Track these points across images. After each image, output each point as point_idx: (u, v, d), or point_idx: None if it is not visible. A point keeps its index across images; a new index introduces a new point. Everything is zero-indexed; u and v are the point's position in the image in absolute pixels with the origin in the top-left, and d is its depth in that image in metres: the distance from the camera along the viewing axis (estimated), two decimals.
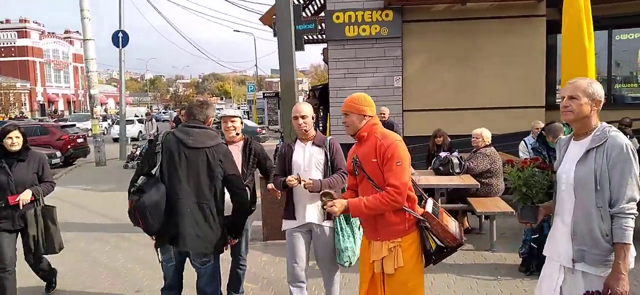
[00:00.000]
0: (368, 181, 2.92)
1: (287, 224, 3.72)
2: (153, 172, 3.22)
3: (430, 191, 6.32)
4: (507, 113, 10.18)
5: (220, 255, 4.06)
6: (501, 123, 9.66)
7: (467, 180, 6.03)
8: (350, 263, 3.58)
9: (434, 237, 2.90)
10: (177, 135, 3.26)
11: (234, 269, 4.27)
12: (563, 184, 2.50)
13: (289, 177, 3.50)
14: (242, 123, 4.14)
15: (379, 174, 2.86)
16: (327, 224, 3.63)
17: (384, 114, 8.68)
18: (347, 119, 3.00)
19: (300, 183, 3.46)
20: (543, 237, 4.58)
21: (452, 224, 3.00)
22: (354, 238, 3.64)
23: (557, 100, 9.61)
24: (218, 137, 3.36)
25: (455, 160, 6.30)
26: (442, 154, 6.55)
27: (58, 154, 15.28)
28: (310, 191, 3.50)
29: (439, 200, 6.18)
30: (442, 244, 2.91)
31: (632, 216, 2.31)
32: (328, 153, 3.64)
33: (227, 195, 3.42)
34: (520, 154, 6.21)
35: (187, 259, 3.49)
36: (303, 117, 3.61)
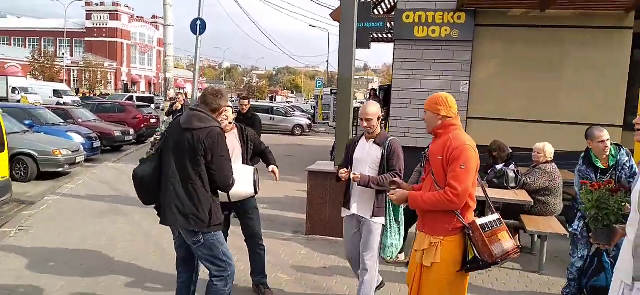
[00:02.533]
0: (431, 176, 3.04)
1: (343, 212, 4.06)
2: (157, 148, 3.52)
3: (481, 203, 6.05)
4: (579, 130, 9.46)
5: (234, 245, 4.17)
6: (571, 140, 9.02)
7: (521, 196, 5.68)
8: (392, 257, 3.89)
9: (474, 248, 2.91)
10: (181, 118, 3.43)
11: (253, 252, 4.42)
12: (634, 202, 2.41)
13: (341, 170, 3.85)
14: (234, 112, 4.41)
15: (441, 172, 2.95)
16: (375, 220, 3.82)
17: None
18: (425, 116, 3.11)
19: (349, 176, 3.76)
20: (590, 268, 4.26)
21: (505, 244, 2.97)
22: (399, 235, 3.87)
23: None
24: (210, 121, 3.33)
25: (511, 174, 5.96)
26: (498, 166, 6.23)
27: (131, 131, 16.14)
28: (358, 184, 3.77)
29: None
30: (478, 256, 2.90)
31: None
32: (385, 153, 3.79)
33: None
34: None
35: None
36: (368, 119, 3.80)
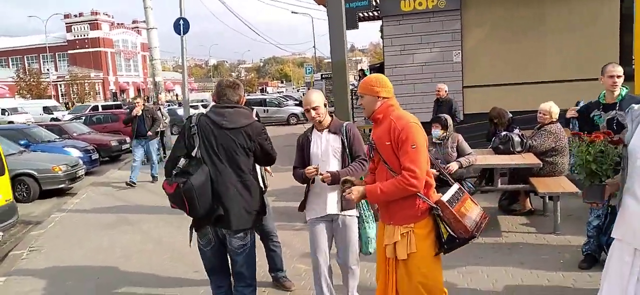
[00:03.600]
0: (383, 164, 2.87)
1: (308, 215, 3.65)
2: (193, 153, 3.20)
3: (490, 171, 6.09)
4: (576, 86, 9.49)
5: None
6: (569, 97, 9.04)
7: (529, 159, 5.70)
8: (370, 251, 3.58)
9: (446, 226, 2.79)
10: (212, 117, 3.23)
11: (269, 249, 4.43)
12: (639, 160, 2.27)
13: (308, 168, 3.42)
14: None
15: (393, 158, 2.80)
16: (347, 214, 3.53)
17: (440, 91, 8.41)
18: (362, 101, 2.94)
19: (317, 174, 3.38)
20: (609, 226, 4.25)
21: (472, 214, 2.87)
22: (367, 225, 3.60)
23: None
24: (252, 115, 3.35)
25: (516, 138, 5.97)
26: (502, 133, 6.24)
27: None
28: (328, 184, 3.40)
29: (500, 180, 5.92)
30: (454, 234, 2.78)
31: None
32: (345, 140, 3.50)
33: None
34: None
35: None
36: (314, 108, 3.47)
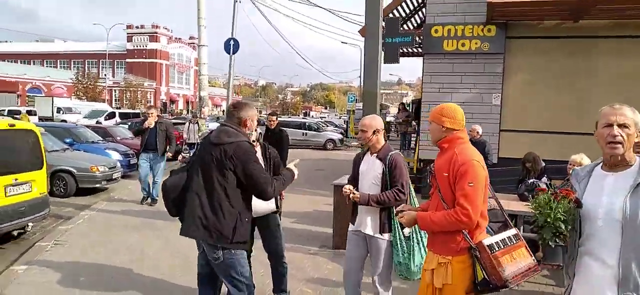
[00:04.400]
0: (437, 193, 2.90)
1: (350, 227, 3.94)
2: (188, 161, 3.59)
3: (512, 217, 5.89)
4: None
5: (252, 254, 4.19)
6: None
7: None
8: (405, 278, 3.70)
9: (482, 269, 2.71)
10: (211, 133, 3.51)
11: (275, 269, 4.42)
12: (600, 220, 2.16)
13: (344, 188, 3.75)
14: (256, 130, 4.25)
15: (448, 189, 2.81)
16: (381, 237, 3.70)
17: (473, 131, 8.27)
18: (430, 127, 3.04)
19: (351, 193, 3.69)
20: None
21: (518, 264, 2.69)
22: (411, 255, 3.64)
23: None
24: (239, 135, 3.38)
25: (543, 186, 5.77)
26: (530, 180, 6.06)
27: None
28: (357, 203, 3.73)
29: (523, 227, 5.72)
30: (488, 279, 2.69)
31: None
32: (386, 168, 3.68)
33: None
34: None
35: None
36: (362, 130, 3.79)
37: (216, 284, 3.72)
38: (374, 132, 3.73)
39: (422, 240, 3.67)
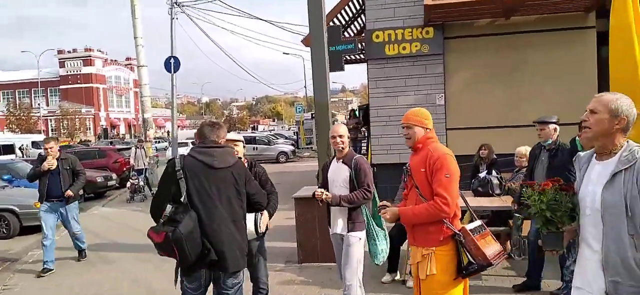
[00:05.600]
0: (415, 190, 3.10)
1: (330, 231, 4.23)
2: (181, 199, 3.07)
3: (465, 212, 6.12)
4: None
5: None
6: None
7: (508, 202, 5.76)
8: (381, 263, 4.11)
9: (467, 253, 2.97)
10: (199, 158, 3.16)
11: (255, 293, 4.32)
12: (588, 209, 2.29)
13: (316, 191, 4.05)
14: (244, 147, 4.26)
15: (426, 184, 3.02)
16: (351, 234, 4.00)
17: None
18: (410, 132, 3.16)
19: (324, 197, 3.97)
20: None
21: (491, 248, 3.02)
22: (376, 241, 4.01)
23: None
24: (233, 155, 3.41)
25: (495, 181, 6.06)
26: (481, 175, 6.33)
27: (114, 176, 15.98)
28: (329, 204, 4.04)
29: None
30: (473, 261, 2.96)
31: None
32: (352, 171, 3.99)
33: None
34: None
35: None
36: (340, 136, 4.05)
37: None
38: (347, 138, 4.09)
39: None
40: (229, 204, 3.18)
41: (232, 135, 4.24)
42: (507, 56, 10.29)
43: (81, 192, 7.25)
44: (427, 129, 3.16)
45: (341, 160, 4.08)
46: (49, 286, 6.09)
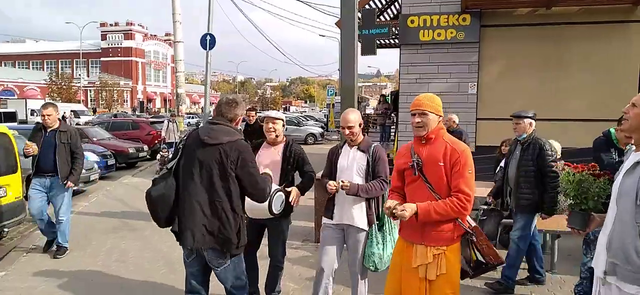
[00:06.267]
0: (423, 184, 2.88)
1: (325, 221, 3.89)
2: (169, 166, 3.25)
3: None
4: (590, 126, 9.32)
5: (257, 254, 4.14)
6: (584, 136, 8.88)
7: None
8: (376, 269, 3.69)
9: (477, 252, 2.89)
10: (199, 131, 3.23)
11: (271, 269, 4.34)
12: (613, 194, 2.35)
13: (330, 183, 3.64)
14: (284, 126, 4.18)
15: (442, 179, 2.84)
16: (365, 228, 3.71)
17: (450, 120, 8.36)
18: (424, 119, 2.90)
19: (337, 190, 3.62)
20: None
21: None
22: (383, 245, 3.71)
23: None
24: (236, 134, 3.24)
25: None
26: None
27: (145, 147, 16.37)
28: (346, 193, 3.61)
29: None
30: (483, 260, 2.89)
31: None
32: (370, 159, 3.69)
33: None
34: None
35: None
36: (349, 127, 3.71)
37: (207, 288, 3.48)
38: (359, 125, 3.76)
39: (392, 231, 3.76)
40: (209, 181, 3.13)
41: (272, 113, 4.26)
42: (545, 48, 9.95)
43: (70, 184, 6.01)
44: (440, 116, 2.95)
45: (356, 147, 3.77)
46: (75, 248, 6.27)
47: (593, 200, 2.51)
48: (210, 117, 3.50)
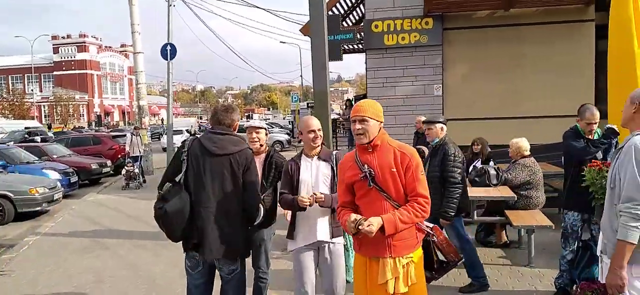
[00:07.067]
0: (379, 194, 2.72)
1: (293, 244, 3.56)
2: (177, 179, 3.22)
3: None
4: (554, 122, 9.70)
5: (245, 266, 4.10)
6: (547, 133, 9.23)
7: (504, 192, 5.80)
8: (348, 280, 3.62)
9: (438, 252, 2.90)
10: (202, 142, 3.25)
11: (255, 282, 4.30)
12: (608, 182, 2.64)
13: (302, 197, 3.34)
14: (266, 135, 4.17)
15: (397, 185, 2.70)
16: (337, 241, 3.51)
17: (419, 123, 8.53)
18: (364, 126, 2.73)
19: (311, 203, 3.33)
20: (582, 261, 4.35)
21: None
22: (351, 256, 3.68)
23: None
24: (242, 142, 3.32)
25: (492, 171, 6.08)
26: (479, 165, 6.35)
27: (108, 163, 15.93)
28: (321, 206, 3.38)
29: (475, 212, 6.00)
30: (445, 259, 2.92)
31: (634, 215, 2.32)
32: (335, 167, 3.46)
33: None
34: None
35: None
36: (318, 130, 3.48)
37: None
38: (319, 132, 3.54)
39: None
40: (222, 191, 3.19)
41: (255, 122, 4.23)
42: (505, 48, 10.29)
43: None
44: (381, 122, 2.80)
45: (316, 157, 3.52)
46: (47, 271, 6.06)
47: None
48: (209, 127, 3.47)
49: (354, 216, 2.69)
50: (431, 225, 2.91)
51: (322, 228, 3.46)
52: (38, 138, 25.24)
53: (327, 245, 3.48)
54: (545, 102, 10.05)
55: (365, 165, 2.76)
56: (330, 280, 3.49)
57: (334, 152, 3.62)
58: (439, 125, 4.74)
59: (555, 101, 9.93)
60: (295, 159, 3.61)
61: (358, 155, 2.82)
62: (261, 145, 4.07)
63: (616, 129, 4.24)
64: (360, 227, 2.61)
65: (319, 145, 3.53)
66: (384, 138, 2.80)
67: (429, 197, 2.72)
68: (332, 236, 3.46)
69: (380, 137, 2.78)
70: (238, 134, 3.40)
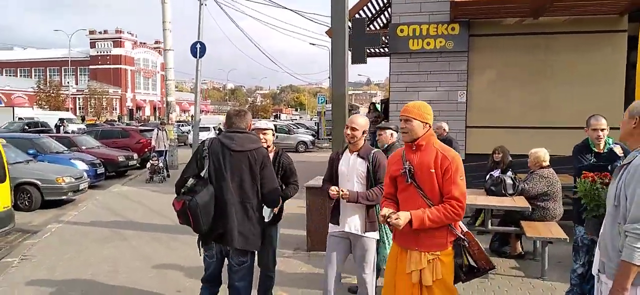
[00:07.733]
0: (416, 190, 2.91)
1: (331, 228, 3.90)
2: (202, 174, 3.46)
3: (480, 211, 6.06)
4: (580, 133, 9.46)
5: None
6: (573, 144, 9.00)
7: (519, 202, 5.68)
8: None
9: (469, 257, 2.95)
10: (222, 140, 3.50)
11: (261, 279, 4.34)
12: (609, 198, 2.52)
13: (332, 188, 3.70)
14: (273, 135, 4.25)
15: (434, 185, 2.87)
16: (369, 235, 3.75)
17: (440, 128, 8.44)
18: (408, 125, 2.96)
19: (339, 195, 3.67)
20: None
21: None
22: (387, 244, 3.88)
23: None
24: (259, 141, 3.61)
25: (508, 181, 5.97)
26: (495, 173, 6.24)
27: (135, 156, 16.28)
28: (346, 201, 3.68)
29: (490, 221, 5.90)
30: (475, 265, 2.95)
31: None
32: (370, 166, 3.72)
33: None
34: None
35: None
36: (353, 128, 3.75)
37: (220, 282, 3.75)
38: (363, 133, 3.78)
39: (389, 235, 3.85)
40: (241, 185, 3.44)
41: (262, 124, 4.31)
42: (533, 57, 10.07)
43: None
44: (426, 123, 2.96)
45: (356, 153, 3.77)
46: (66, 258, 6.24)
47: (604, 207, 2.65)
48: (224, 128, 3.78)
49: (385, 210, 2.97)
50: (465, 230, 2.98)
51: (354, 222, 3.74)
52: (71, 127, 26.06)
53: (359, 238, 3.75)
54: (572, 113, 9.78)
55: (407, 162, 2.98)
56: (360, 271, 3.79)
57: (373, 151, 3.79)
58: (389, 132, 4.81)
59: (583, 112, 9.60)
60: (340, 151, 3.97)
61: (405, 152, 3.05)
62: (268, 147, 4.11)
63: (618, 153, 4.18)
64: (389, 220, 2.88)
65: (355, 143, 3.76)
66: (430, 139, 2.98)
67: (463, 201, 2.84)
68: (365, 231, 3.72)
69: (426, 138, 2.97)
70: (253, 133, 3.71)
